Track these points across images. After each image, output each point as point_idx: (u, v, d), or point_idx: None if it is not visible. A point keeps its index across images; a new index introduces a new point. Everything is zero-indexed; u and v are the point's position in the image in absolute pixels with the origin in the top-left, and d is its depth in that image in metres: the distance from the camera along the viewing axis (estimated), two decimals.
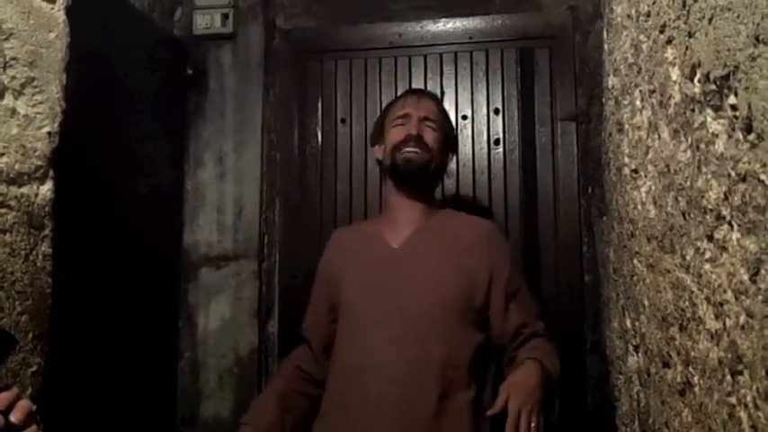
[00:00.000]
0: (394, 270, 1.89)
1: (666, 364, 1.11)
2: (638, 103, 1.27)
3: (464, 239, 1.93)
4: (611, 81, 1.56)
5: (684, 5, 0.93)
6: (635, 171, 1.32)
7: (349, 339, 1.87)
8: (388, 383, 1.73)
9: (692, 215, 0.93)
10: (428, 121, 1.98)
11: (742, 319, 0.76)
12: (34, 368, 1.46)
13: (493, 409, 1.57)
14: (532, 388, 1.61)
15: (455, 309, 1.81)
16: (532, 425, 1.53)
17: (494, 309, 1.85)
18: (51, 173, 1.53)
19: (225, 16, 2.81)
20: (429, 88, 2.64)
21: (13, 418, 1.01)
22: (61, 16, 1.56)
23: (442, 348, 1.76)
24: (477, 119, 2.63)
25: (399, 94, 2.23)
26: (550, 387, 1.68)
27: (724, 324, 0.82)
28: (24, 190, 1.45)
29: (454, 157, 2.18)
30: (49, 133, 1.51)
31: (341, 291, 1.94)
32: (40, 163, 1.49)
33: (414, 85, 2.65)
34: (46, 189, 1.51)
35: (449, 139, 2.06)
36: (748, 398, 0.75)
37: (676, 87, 0.99)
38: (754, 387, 0.73)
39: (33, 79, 1.47)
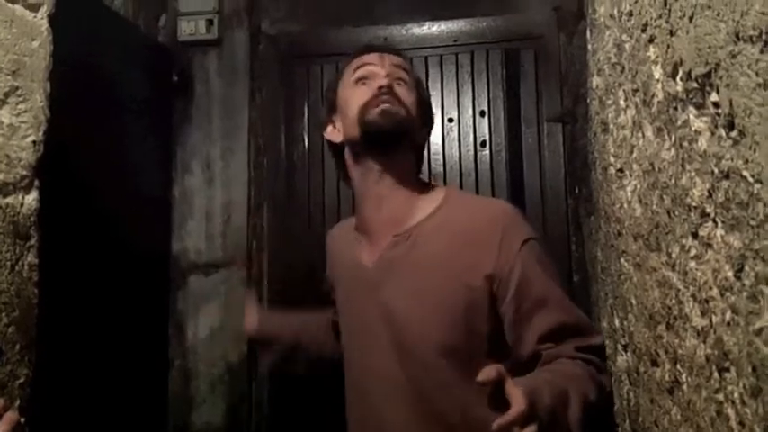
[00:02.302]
0: (370, 297, 1.48)
1: (655, 363, 1.12)
2: (621, 102, 1.27)
3: (461, 239, 1.43)
4: (595, 81, 1.56)
5: (665, 4, 0.93)
6: (620, 170, 1.32)
7: (349, 373, 1.59)
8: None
9: (676, 213, 0.94)
10: (399, 78, 1.53)
11: (727, 315, 0.77)
12: (22, 379, 1.44)
13: (485, 375, 1.12)
14: (544, 406, 1.17)
15: (453, 348, 1.40)
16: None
17: (506, 326, 1.40)
18: (36, 182, 1.52)
19: (209, 22, 2.81)
20: None
21: (0, 429, 1.01)
22: (44, 24, 1.55)
23: (449, 399, 1.39)
24: (464, 121, 2.64)
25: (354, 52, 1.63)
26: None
27: (710, 321, 0.83)
28: (9, 200, 1.44)
29: (430, 134, 1.69)
30: (34, 142, 1.50)
31: (337, 298, 1.67)
32: (25, 173, 1.48)
33: None
34: (31, 199, 1.50)
35: (425, 106, 1.60)
36: (735, 394, 0.76)
37: (659, 86, 1.00)
38: (741, 383, 0.74)
39: (17, 88, 1.46)
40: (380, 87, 1.46)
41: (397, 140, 1.47)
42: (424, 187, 1.55)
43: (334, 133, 1.58)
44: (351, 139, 1.51)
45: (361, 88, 1.51)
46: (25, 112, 1.48)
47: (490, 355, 1.37)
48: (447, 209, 1.49)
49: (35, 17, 1.53)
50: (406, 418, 1.41)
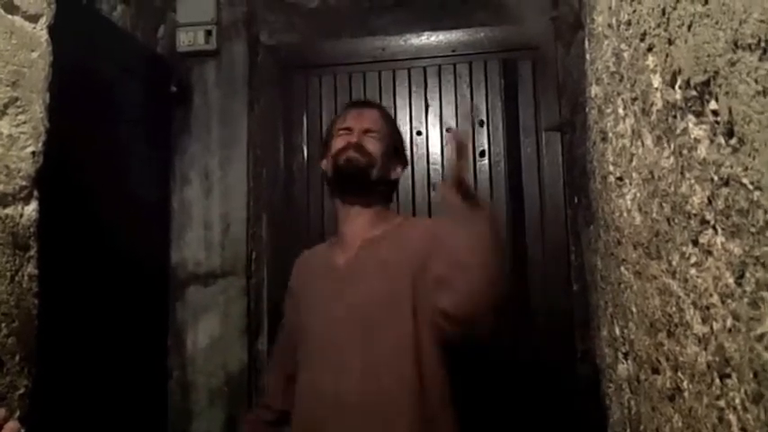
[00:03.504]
0: (339, 291, 1.84)
1: (656, 371, 1.12)
2: (620, 111, 1.28)
3: (410, 244, 1.85)
4: (594, 90, 1.56)
5: (664, 13, 0.94)
6: (620, 179, 1.32)
7: (305, 367, 1.85)
8: (333, 415, 1.72)
9: (676, 221, 0.94)
10: (370, 133, 1.95)
11: (728, 322, 0.77)
12: (22, 390, 1.44)
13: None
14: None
15: (401, 328, 1.74)
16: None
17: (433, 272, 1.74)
18: (36, 193, 1.52)
19: (208, 33, 2.82)
20: (413, 101, 2.67)
21: None
22: (44, 35, 1.55)
23: (386, 375, 1.71)
24: (462, 131, 2.64)
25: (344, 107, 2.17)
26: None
27: (711, 328, 0.83)
28: (9, 211, 1.44)
29: (405, 170, 2.08)
30: (33, 153, 1.50)
31: (300, 315, 1.93)
32: (24, 183, 1.48)
33: (398, 99, 2.69)
34: (31, 209, 1.50)
35: (394, 149, 2.01)
36: (737, 400, 0.76)
37: (658, 94, 1.00)
38: (743, 389, 0.74)
39: (16, 99, 1.46)
40: (350, 142, 1.92)
41: (358, 181, 1.91)
42: (389, 213, 2.02)
43: (325, 165, 2.02)
44: (328, 174, 1.99)
45: (341, 137, 1.96)
46: (25, 122, 1.48)
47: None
48: (402, 224, 1.96)
49: (34, 28, 1.54)
50: (357, 378, 1.72)
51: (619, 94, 1.29)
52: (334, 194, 1.99)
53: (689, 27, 0.83)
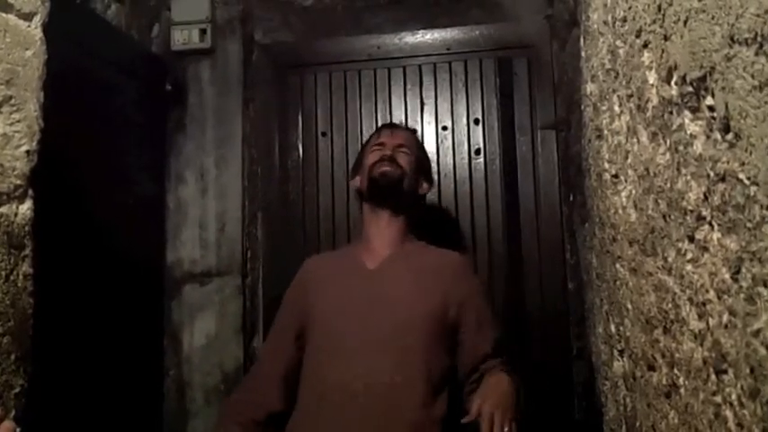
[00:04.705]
0: (371, 291, 1.95)
1: (651, 367, 1.12)
2: (616, 108, 1.28)
3: (438, 265, 2.03)
4: (589, 87, 1.56)
5: (660, 9, 0.94)
6: (615, 176, 1.33)
7: (320, 361, 1.90)
8: (354, 404, 1.78)
9: (672, 217, 0.94)
10: (402, 148, 2.12)
11: (725, 318, 0.77)
12: (17, 389, 1.44)
13: (468, 417, 1.62)
14: (504, 392, 1.70)
15: (428, 330, 1.88)
16: (506, 429, 1.58)
17: (466, 334, 1.93)
18: (31, 192, 1.51)
19: (203, 32, 2.81)
20: (408, 99, 2.67)
21: None
22: (38, 34, 1.55)
23: (412, 369, 1.82)
24: (458, 129, 2.64)
25: (378, 127, 2.37)
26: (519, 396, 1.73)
27: (707, 324, 0.83)
28: (3, 210, 1.43)
29: (431, 189, 2.25)
30: (28, 152, 1.50)
31: (313, 314, 1.97)
32: (19, 182, 1.48)
33: (393, 97, 2.69)
34: (25, 208, 1.50)
35: (423, 166, 2.19)
36: (733, 396, 0.76)
37: (653, 91, 1.00)
38: (739, 385, 0.74)
39: (10, 98, 1.46)
40: (384, 155, 2.08)
41: (391, 192, 2.05)
42: (412, 233, 2.12)
43: (358, 182, 2.16)
44: (363, 187, 2.11)
45: (374, 153, 2.12)
46: (19, 121, 1.48)
47: (448, 345, 1.92)
48: (427, 247, 2.10)
49: (29, 26, 1.53)
50: (387, 370, 1.81)
51: (614, 91, 1.29)
52: (366, 202, 2.11)
53: (685, 22, 0.83)
